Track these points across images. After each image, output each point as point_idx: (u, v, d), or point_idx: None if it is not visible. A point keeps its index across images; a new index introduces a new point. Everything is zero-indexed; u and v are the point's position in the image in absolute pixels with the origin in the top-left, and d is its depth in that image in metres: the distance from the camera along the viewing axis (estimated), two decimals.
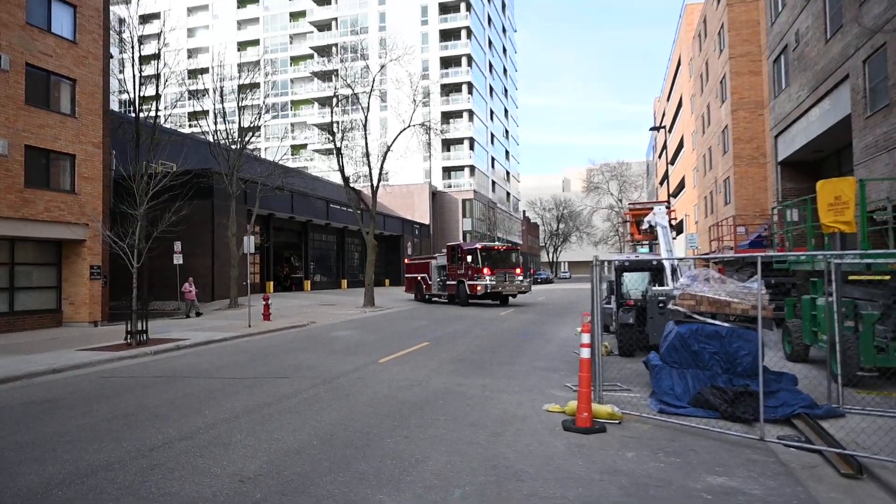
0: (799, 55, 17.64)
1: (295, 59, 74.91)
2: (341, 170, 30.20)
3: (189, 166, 26.74)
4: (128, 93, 27.95)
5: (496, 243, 29.06)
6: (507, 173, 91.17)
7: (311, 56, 73.18)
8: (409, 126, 29.97)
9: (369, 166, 30.88)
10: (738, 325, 7.53)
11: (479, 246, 25.80)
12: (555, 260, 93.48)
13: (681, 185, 48.16)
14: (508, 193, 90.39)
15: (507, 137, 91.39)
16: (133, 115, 27.17)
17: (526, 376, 9.45)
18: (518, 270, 25.70)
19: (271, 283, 36.48)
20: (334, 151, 30.75)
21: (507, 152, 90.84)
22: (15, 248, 19.27)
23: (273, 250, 37.10)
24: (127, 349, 13.42)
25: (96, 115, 20.87)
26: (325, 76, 68.04)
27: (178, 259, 24.23)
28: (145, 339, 14.28)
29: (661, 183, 37.76)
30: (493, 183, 79.66)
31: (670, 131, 52.43)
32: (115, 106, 29.64)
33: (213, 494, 4.69)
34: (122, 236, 15.44)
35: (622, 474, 5.04)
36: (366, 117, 29.53)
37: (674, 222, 22.06)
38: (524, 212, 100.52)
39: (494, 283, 24.97)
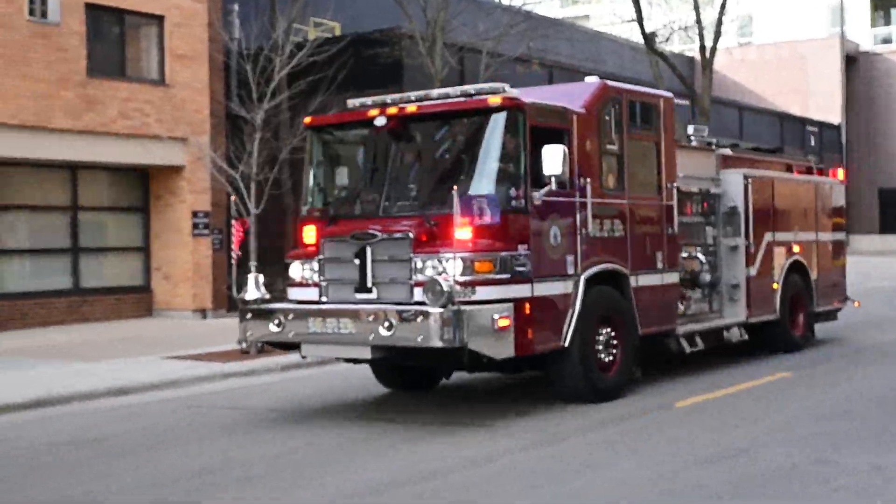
0: None
1: None
2: (639, 19, 27.21)
3: (362, 25, 25.76)
4: None
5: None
6: None
7: None
8: None
9: (696, 8, 27.49)
10: None
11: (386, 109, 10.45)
12: None
13: None
14: None
15: None
16: None
17: None
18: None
19: None
20: None
21: None
22: (78, 181, 19.26)
23: None
24: (240, 359, 13.25)
25: None
26: None
27: None
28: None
29: None
30: None
31: None
32: None
33: None
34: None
35: None
36: None
37: None
38: None
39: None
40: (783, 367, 12.04)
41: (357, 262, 8.67)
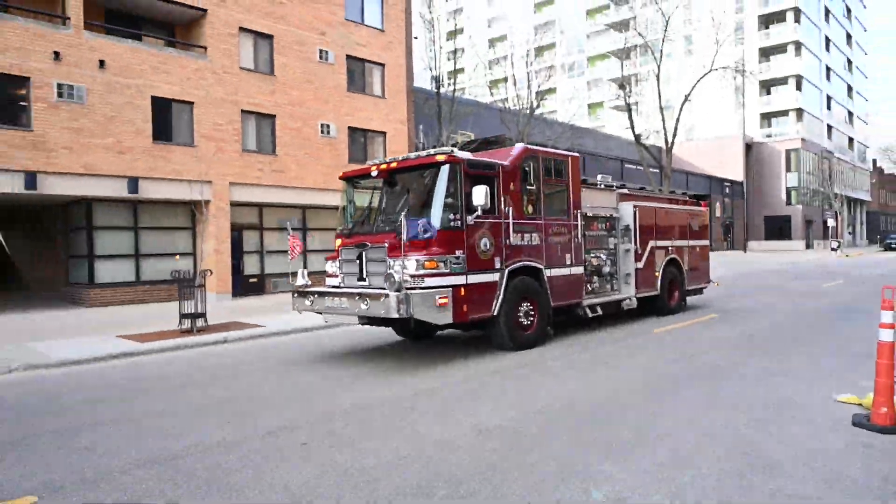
0: None
1: (591, 12, 74.07)
2: (632, 126, 29.81)
3: (484, 134, 27.71)
4: (430, 70, 31.21)
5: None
6: (850, 114, 77.07)
7: (607, 6, 71.58)
8: (709, 71, 27.58)
9: (663, 120, 29.81)
10: None
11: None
12: None
13: None
14: (851, 140, 76.58)
15: (849, 70, 77.09)
16: (435, 90, 30.18)
17: (826, 360, 8.14)
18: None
19: None
20: (625, 107, 30.20)
21: (849, 88, 76.64)
22: None
23: None
24: None
25: (402, 95, 24.02)
26: (620, 26, 65.89)
27: None
28: None
29: None
30: (829, 128, 68.35)
31: None
32: (425, 83, 32.98)
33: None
34: None
35: None
36: (658, 67, 28.15)
37: None
38: (874, 161, 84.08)
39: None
40: (712, 312, 13.19)
41: (357, 261, 8.82)
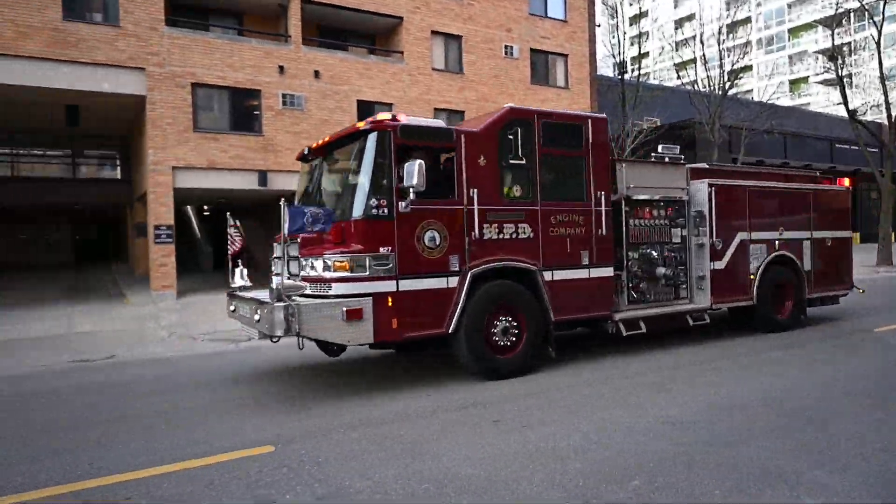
0: None
1: None
2: (845, 102, 26.15)
3: (671, 119, 26.70)
4: (613, 57, 30.05)
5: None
6: None
7: None
8: None
9: (885, 93, 25.44)
10: None
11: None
12: None
13: None
14: None
15: None
16: (619, 76, 29.03)
17: None
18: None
19: None
20: (837, 81, 26.54)
21: None
22: None
23: None
24: None
25: (585, 84, 23.57)
26: None
27: None
28: None
29: None
30: None
31: None
32: (608, 70, 31.86)
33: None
34: None
35: None
36: (879, 32, 24.21)
37: None
38: None
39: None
40: None
41: (280, 259, 6.74)
